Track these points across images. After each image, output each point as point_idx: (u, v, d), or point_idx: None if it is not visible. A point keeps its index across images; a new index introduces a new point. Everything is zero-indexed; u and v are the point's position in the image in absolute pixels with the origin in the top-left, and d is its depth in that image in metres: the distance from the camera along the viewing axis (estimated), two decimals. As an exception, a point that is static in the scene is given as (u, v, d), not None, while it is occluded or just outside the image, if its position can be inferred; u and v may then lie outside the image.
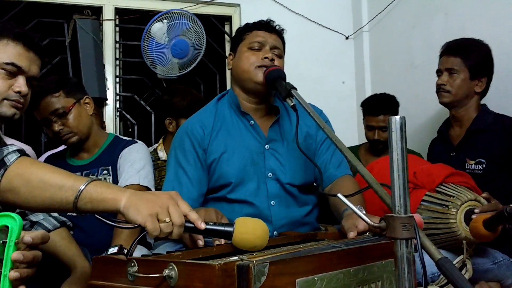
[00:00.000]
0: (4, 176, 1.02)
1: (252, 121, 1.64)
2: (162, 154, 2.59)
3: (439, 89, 1.98)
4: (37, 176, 1.02)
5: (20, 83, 1.25)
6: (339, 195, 0.86)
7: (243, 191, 1.58)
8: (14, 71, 1.23)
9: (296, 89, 1.46)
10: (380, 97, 2.56)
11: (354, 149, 2.80)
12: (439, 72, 2.01)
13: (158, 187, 2.22)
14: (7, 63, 1.22)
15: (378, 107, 2.49)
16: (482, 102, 2.03)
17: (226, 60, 1.70)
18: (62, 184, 1.00)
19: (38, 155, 2.40)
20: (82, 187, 0.99)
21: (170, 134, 2.61)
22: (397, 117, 0.79)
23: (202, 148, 1.61)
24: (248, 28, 1.66)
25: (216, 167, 1.60)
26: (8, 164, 1.03)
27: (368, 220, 0.79)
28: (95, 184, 1.01)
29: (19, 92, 1.25)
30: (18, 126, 3.06)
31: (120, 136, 2.03)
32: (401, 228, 0.76)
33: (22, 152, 1.07)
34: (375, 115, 2.48)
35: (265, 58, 1.58)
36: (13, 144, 1.10)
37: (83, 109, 1.89)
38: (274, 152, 1.63)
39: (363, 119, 2.67)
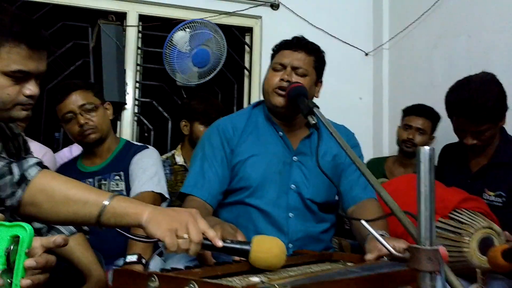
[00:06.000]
0: (26, 191, 1.02)
1: (281, 133, 1.65)
2: (179, 159, 2.62)
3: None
4: (60, 191, 1.02)
5: (31, 87, 1.16)
6: (363, 221, 0.86)
7: (262, 198, 1.58)
8: (22, 76, 1.15)
9: (318, 107, 1.46)
10: (427, 106, 2.66)
11: (381, 160, 2.80)
12: (462, 132, 1.87)
13: (173, 191, 2.23)
14: (14, 71, 1.12)
15: (424, 110, 2.60)
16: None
17: None
18: (86, 200, 1.01)
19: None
20: (106, 202, 1.00)
21: (187, 140, 2.63)
22: (427, 148, 0.78)
23: (230, 148, 1.62)
24: (279, 47, 1.68)
25: (241, 169, 1.60)
26: (29, 178, 1.03)
27: (393, 250, 0.79)
28: (118, 199, 1.02)
29: (30, 96, 1.17)
30: (37, 125, 3.10)
31: (131, 141, 2.05)
32: (425, 260, 0.75)
33: (41, 165, 1.07)
34: (418, 115, 2.57)
35: (282, 79, 1.59)
36: (32, 156, 1.10)
37: (105, 111, 1.97)
38: (301, 165, 1.63)
39: (399, 125, 2.68)
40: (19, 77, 1.14)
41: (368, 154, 3.22)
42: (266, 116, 1.69)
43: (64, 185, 1.04)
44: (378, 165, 2.74)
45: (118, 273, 0.95)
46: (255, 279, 0.92)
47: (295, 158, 1.63)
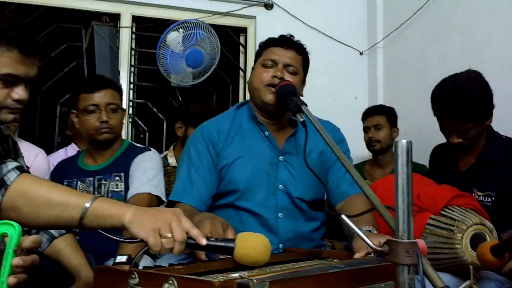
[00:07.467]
0: (6, 196, 1.01)
1: (266, 132, 1.64)
2: (172, 161, 2.60)
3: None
4: (41, 195, 1.01)
5: (19, 91, 1.16)
6: (343, 216, 0.85)
7: (251, 200, 1.57)
8: (11, 80, 1.15)
9: (306, 105, 1.45)
10: (376, 105, 2.87)
11: (359, 166, 2.85)
12: (447, 130, 1.86)
13: (167, 193, 2.23)
14: (3, 75, 1.13)
15: (373, 109, 2.79)
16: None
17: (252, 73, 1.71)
18: (68, 202, 1.00)
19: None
20: (87, 204, 0.99)
21: (181, 141, 2.62)
22: (404, 141, 0.78)
23: (216, 152, 1.62)
24: (267, 43, 1.67)
25: (227, 172, 1.60)
26: (8, 183, 1.02)
27: (371, 243, 0.78)
28: (100, 200, 1.01)
29: (18, 100, 1.18)
30: (32, 127, 3.10)
31: (134, 143, 2.05)
32: (403, 253, 0.75)
33: (21, 169, 1.06)
34: (370, 115, 2.76)
35: (274, 76, 1.57)
36: (12, 160, 1.08)
37: (122, 115, 1.99)
38: (288, 165, 1.62)
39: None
40: (8, 81, 1.14)
41: (364, 153, 3.22)
42: (251, 116, 1.67)
43: (45, 189, 1.03)
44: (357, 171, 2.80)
45: (99, 270, 0.95)
46: (235, 275, 0.92)
47: (281, 158, 1.62)
